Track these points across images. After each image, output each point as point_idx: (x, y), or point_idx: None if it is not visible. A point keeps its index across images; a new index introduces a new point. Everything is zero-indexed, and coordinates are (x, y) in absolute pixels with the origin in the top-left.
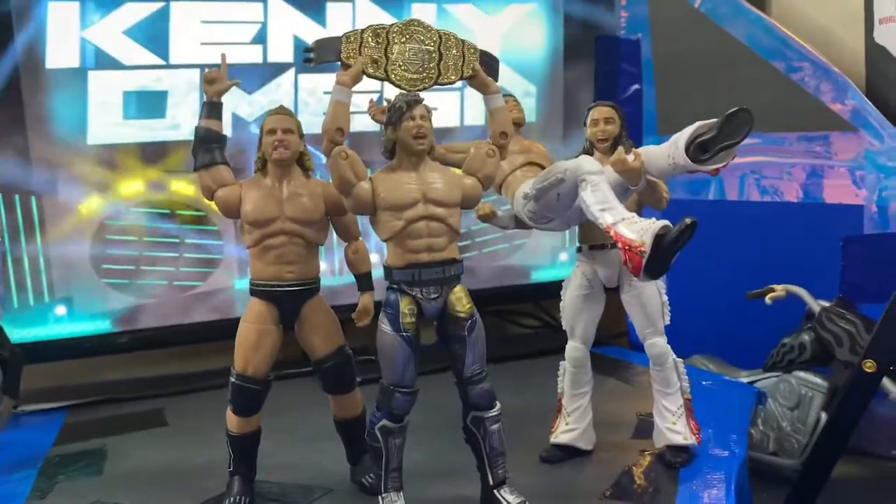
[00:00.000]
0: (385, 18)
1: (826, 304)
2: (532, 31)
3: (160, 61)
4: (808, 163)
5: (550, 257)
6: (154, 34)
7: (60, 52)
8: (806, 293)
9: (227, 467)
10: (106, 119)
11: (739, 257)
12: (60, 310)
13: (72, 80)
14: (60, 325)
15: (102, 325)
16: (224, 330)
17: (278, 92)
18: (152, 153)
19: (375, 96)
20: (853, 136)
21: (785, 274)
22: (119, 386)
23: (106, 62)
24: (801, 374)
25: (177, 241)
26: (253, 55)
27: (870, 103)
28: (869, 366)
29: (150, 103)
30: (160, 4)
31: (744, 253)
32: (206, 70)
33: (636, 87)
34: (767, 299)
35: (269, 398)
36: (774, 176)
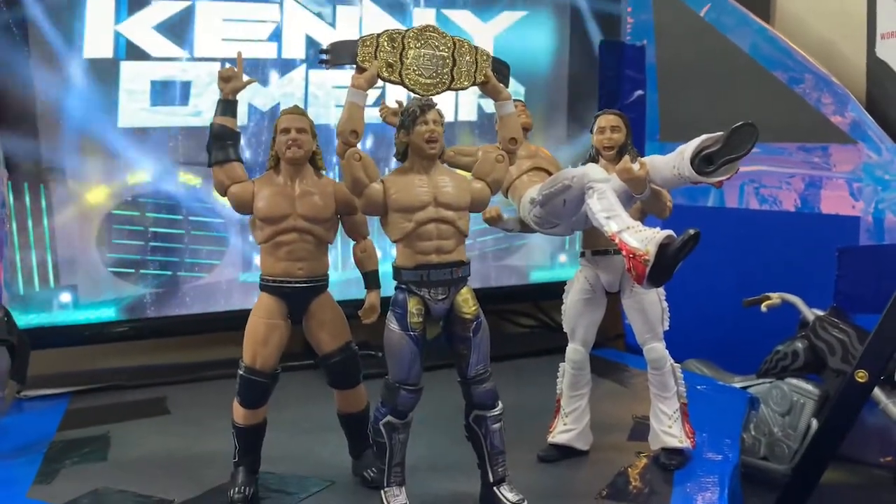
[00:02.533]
0: (390, 22)
1: (820, 313)
2: (535, 34)
3: (185, 54)
4: (807, 173)
5: (550, 258)
6: (180, 30)
7: (96, 44)
8: (801, 302)
9: (233, 458)
10: (134, 105)
11: (737, 264)
12: (65, 297)
13: (106, 69)
14: (65, 312)
15: (107, 314)
16: (227, 321)
17: (290, 85)
18: (167, 140)
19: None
20: (852, 149)
21: (781, 282)
22: (121, 373)
23: (136, 53)
24: (794, 380)
25: (182, 232)
26: (269, 51)
27: (869, 117)
28: (861, 375)
29: (174, 92)
30: (186, 3)
31: (741, 260)
32: (222, 67)
33: (640, 92)
34: (763, 307)
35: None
36: (773, 185)
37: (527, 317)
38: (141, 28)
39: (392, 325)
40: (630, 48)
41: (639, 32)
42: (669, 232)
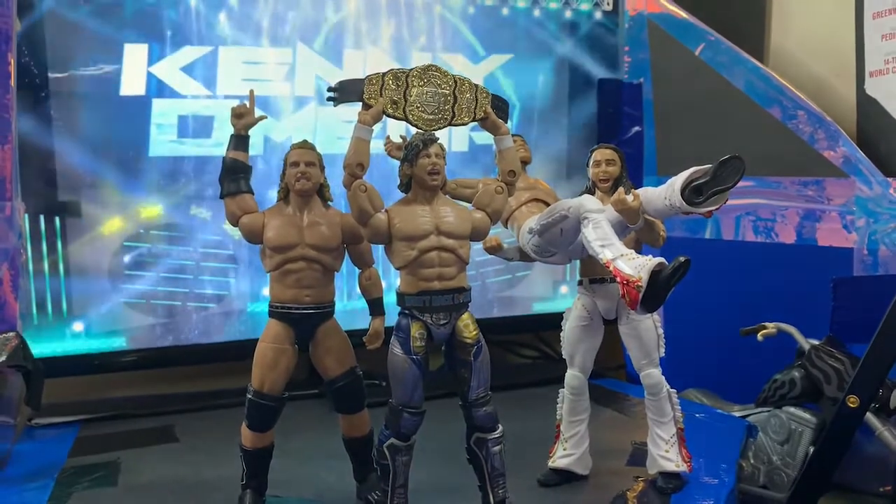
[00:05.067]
0: (392, 64)
1: (816, 342)
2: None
3: (209, 92)
4: (802, 206)
5: (552, 290)
6: (205, 71)
7: (131, 83)
8: (796, 331)
9: (240, 481)
10: (163, 137)
11: (734, 295)
12: (78, 326)
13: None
14: (77, 341)
15: (117, 343)
16: (234, 351)
17: (301, 119)
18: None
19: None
20: (845, 182)
21: (777, 312)
22: (130, 402)
23: (165, 92)
24: (792, 409)
25: (192, 263)
26: (283, 90)
27: (860, 151)
28: (852, 401)
29: (199, 125)
30: (210, 48)
31: (738, 291)
32: (235, 105)
33: (637, 128)
34: (759, 336)
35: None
36: (769, 218)
37: (529, 348)
38: (171, 69)
39: (395, 349)
40: (628, 86)
41: (636, 70)
42: (661, 259)
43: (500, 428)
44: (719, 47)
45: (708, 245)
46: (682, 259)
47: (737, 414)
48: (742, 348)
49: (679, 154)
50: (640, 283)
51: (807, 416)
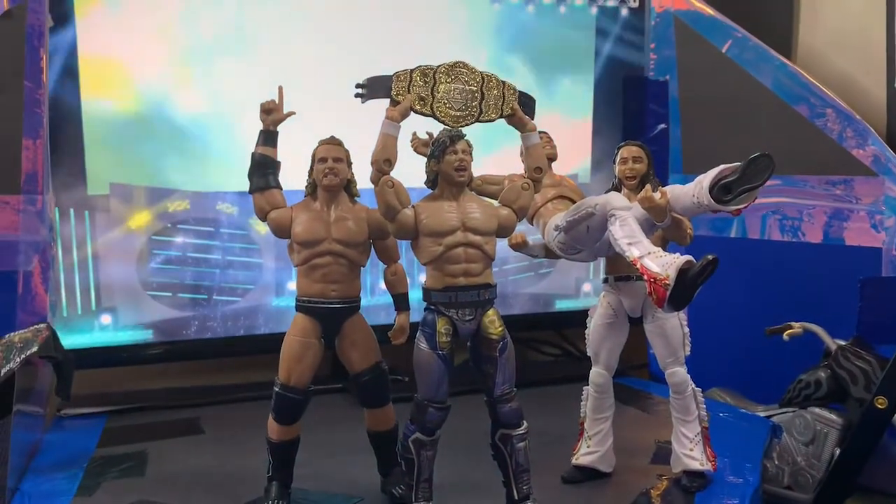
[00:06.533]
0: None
1: (842, 342)
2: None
3: None
4: (830, 205)
5: (574, 288)
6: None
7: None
8: (823, 331)
9: (266, 472)
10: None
11: (759, 294)
12: (106, 319)
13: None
14: (104, 333)
15: (144, 336)
16: (260, 344)
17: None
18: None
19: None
20: (874, 181)
21: (803, 312)
22: (157, 394)
23: None
24: (817, 410)
25: (218, 257)
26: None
27: (890, 150)
28: (881, 402)
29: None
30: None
31: (763, 290)
32: (264, 101)
33: (663, 126)
34: (785, 336)
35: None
36: (795, 217)
37: (551, 345)
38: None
39: (421, 344)
40: (653, 83)
41: (662, 68)
42: (689, 257)
43: (525, 424)
44: (746, 44)
45: (733, 244)
46: (710, 257)
47: (761, 414)
48: (766, 348)
49: (704, 152)
50: (667, 282)
51: (832, 416)
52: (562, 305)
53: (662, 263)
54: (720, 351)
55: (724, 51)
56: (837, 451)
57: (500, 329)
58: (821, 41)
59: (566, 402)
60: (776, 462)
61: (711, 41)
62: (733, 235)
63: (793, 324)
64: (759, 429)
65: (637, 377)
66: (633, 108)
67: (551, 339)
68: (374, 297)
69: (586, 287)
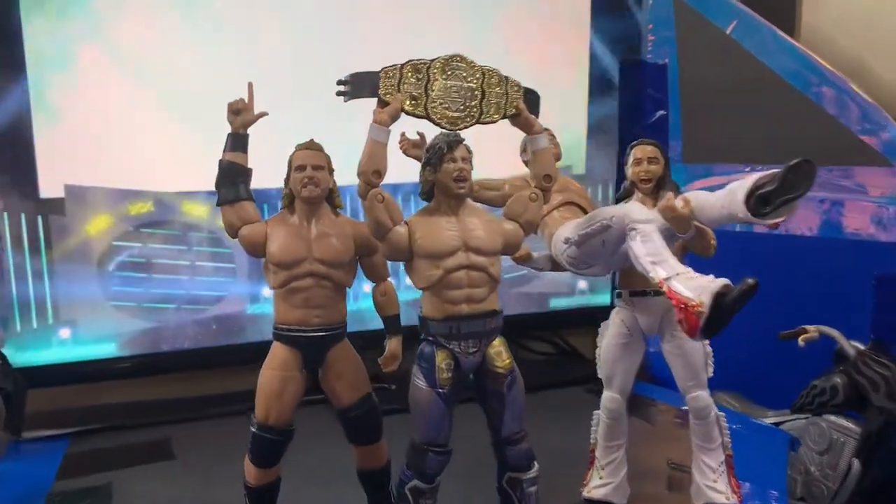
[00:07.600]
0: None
1: (860, 346)
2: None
3: None
4: (839, 196)
5: (568, 286)
6: None
7: None
8: (840, 335)
9: None
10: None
11: (766, 292)
12: (65, 332)
13: None
14: (64, 348)
15: (107, 350)
16: (234, 355)
17: None
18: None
19: None
20: (887, 171)
21: (814, 309)
22: (123, 411)
23: None
24: (833, 418)
25: (187, 263)
26: None
27: None
28: None
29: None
30: None
31: (771, 286)
32: (232, 100)
33: (662, 112)
34: (801, 340)
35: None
36: (805, 208)
37: (545, 342)
38: None
39: (419, 381)
40: (651, 66)
41: (660, 50)
42: (726, 281)
43: (536, 466)
44: (751, 24)
45: (738, 238)
46: (750, 282)
47: (771, 420)
48: (772, 349)
49: (707, 140)
50: (700, 309)
51: (850, 425)
52: (556, 304)
53: (694, 287)
54: (725, 352)
55: (728, 32)
56: (855, 462)
57: (507, 362)
58: (826, 21)
59: (564, 411)
60: (789, 472)
61: (714, 21)
62: (738, 229)
63: (807, 327)
64: (779, 446)
65: (636, 379)
66: (629, 94)
67: (546, 337)
68: (358, 302)
69: (581, 284)
